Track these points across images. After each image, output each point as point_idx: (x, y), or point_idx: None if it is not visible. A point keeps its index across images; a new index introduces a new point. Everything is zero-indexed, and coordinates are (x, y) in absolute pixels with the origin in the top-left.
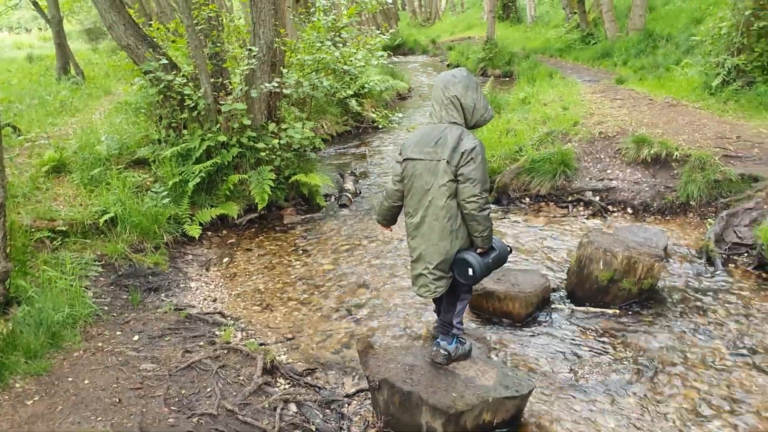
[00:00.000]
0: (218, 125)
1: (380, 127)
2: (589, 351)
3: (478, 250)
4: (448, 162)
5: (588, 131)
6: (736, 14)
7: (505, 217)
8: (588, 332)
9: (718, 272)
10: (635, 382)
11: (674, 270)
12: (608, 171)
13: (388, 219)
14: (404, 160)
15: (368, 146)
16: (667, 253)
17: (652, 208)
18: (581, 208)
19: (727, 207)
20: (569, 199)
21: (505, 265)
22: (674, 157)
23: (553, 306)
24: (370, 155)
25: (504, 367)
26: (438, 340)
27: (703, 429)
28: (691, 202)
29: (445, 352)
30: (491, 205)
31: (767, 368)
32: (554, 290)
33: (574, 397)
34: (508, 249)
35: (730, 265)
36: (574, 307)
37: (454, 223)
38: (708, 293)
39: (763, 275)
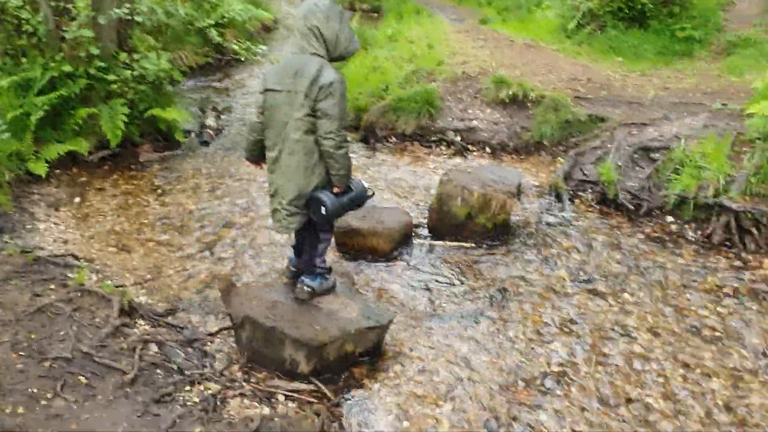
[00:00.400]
0: (62, 54)
1: (243, 59)
2: (447, 282)
3: (335, 189)
4: (306, 95)
5: (452, 71)
6: None
7: (371, 156)
8: (446, 265)
9: (565, 207)
10: (487, 310)
11: (526, 206)
12: (470, 111)
13: (255, 154)
14: (265, 90)
15: (231, 79)
16: (521, 191)
17: (509, 148)
18: (444, 148)
19: (576, 146)
20: (433, 138)
21: (368, 204)
22: (530, 98)
23: (415, 241)
24: (233, 89)
25: (366, 299)
26: (302, 277)
27: (545, 349)
28: (544, 142)
29: (309, 289)
30: (350, 143)
31: (602, 293)
32: (417, 226)
33: (431, 325)
34: (368, 191)
35: (576, 200)
36: (434, 242)
37: (311, 158)
38: (556, 227)
39: (604, 210)
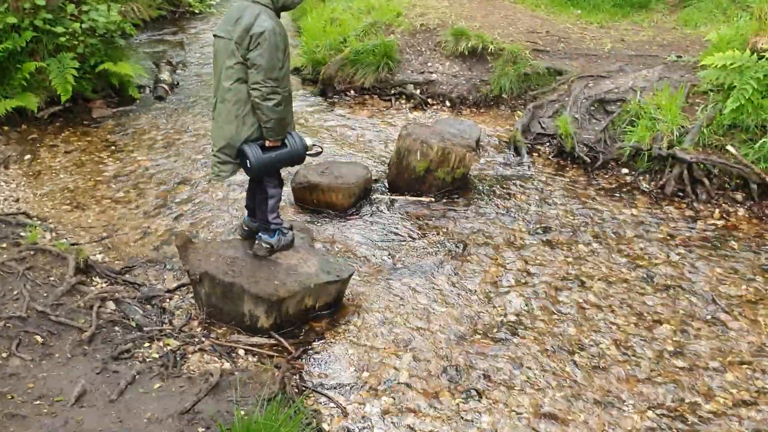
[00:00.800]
0: (6, 5)
1: (198, 11)
2: (407, 236)
3: (267, 143)
4: (237, 44)
5: (410, 23)
6: None
7: (330, 110)
8: (406, 219)
9: (523, 161)
10: (446, 263)
11: (486, 159)
12: (429, 64)
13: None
14: (215, 32)
15: (186, 33)
16: (480, 144)
17: (468, 101)
18: (403, 101)
19: (534, 99)
20: (392, 92)
21: (325, 158)
22: (489, 50)
23: (374, 196)
24: (188, 43)
25: (326, 254)
26: (260, 233)
27: (503, 299)
28: (503, 95)
29: (267, 245)
30: (279, 95)
31: (556, 244)
32: (376, 181)
33: (391, 279)
34: (312, 148)
35: (534, 154)
36: (393, 197)
37: (242, 108)
38: (514, 180)
39: (561, 162)
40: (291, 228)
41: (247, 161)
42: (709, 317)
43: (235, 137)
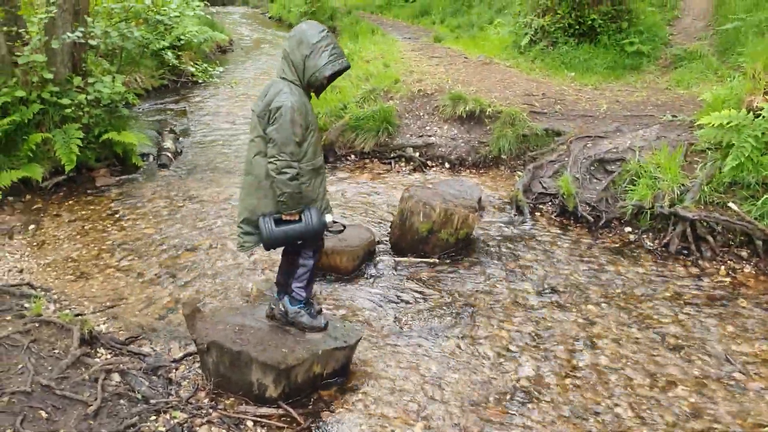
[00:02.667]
0: (15, 79)
1: (200, 81)
2: (412, 299)
3: (283, 217)
4: (260, 117)
5: (408, 89)
6: None
7: (332, 174)
8: (410, 281)
9: (526, 220)
10: (454, 326)
11: (488, 220)
12: (427, 127)
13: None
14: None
15: (188, 102)
16: (481, 205)
17: (467, 162)
18: (403, 164)
19: (534, 160)
20: (392, 155)
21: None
22: (487, 113)
23: (378, 258)
24: (190, 111)
25: (333, 319)
26: (284, 295)
27: (514, 363)
28: (502, 156)
29: (282, 310)
30: (294, 169)
31: (565, 305)
32: (379, 243)
33: (399, 343)
34: (327, 223)
35: (536, 213)
36: (397, 258)
37: (263, 181)
38: (517, 240)
39: (564, 221)
40: (320, 312)
41: (261, 236)
42: (724, 378)
43: (256, 209)
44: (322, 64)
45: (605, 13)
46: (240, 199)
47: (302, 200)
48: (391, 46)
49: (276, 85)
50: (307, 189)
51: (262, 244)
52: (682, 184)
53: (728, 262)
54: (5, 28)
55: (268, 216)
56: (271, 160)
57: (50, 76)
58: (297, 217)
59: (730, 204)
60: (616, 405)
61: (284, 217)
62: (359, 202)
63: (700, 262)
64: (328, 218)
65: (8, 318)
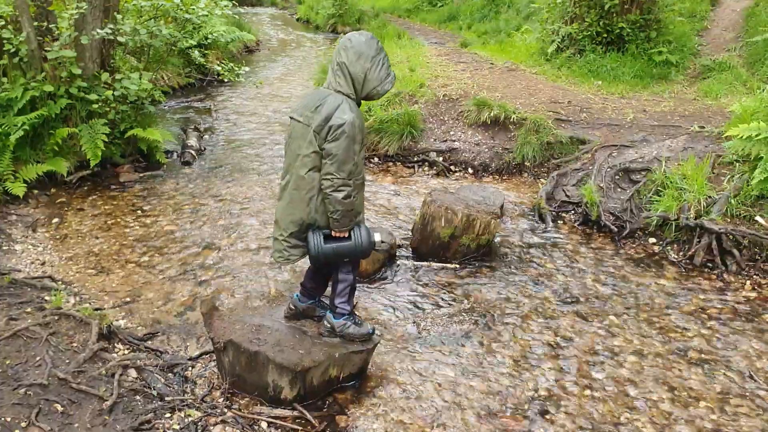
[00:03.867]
0: (44, 74)
1: (226, 80)
2: (432, 304)
3: (333, 233)
4: (316, 132)
5: (433, 93)
6: None
7: None
8: (430, 286)
9: (548, 228)
10: (473, 332)
11: (510, 226)
12: (451, 132)
13: None
14: (290, 117)
15: (213, 100)
16: (504, 211)
17: (490, 169)
18: (426, 168)
19: (558, 168)
20: (415, 159)
21: None
22: (512, 120)
23: (398, 262)
24: (215, 110)
25: None
26: (328, 311)
27: (532, 373)
28: (526, 163)
29: (328, 326)
30: (350, 187)
31: (586, 315)
32: (400, 247)
33: (417, 348)
34: (376, 242)
35: (559, 221)
36: (418, 263)
37: (313, 196)
38: (539, 247)
39: (586, 230)
40: (362, 321)
41: (308, 249)
42: (748, 394)
43: (305, 222)
44: (384, 77)
45: (634, 21)
46: (284, 212)
47: (355, 217)
48: (417, 50)
49: (332, 99)
50: (356, 203)
51: (309, 259)
52: (709, 196)
53: (754, 276)
54: (36, 23)
55: (318, 231)
56: (328, 177)
57: (78, 71)
58: (347, 234)
59: (758, 218)
60: (636, 419)
61: (334, 234)
62: (381, 206)
63: (725, 275)
64: (377, 237)
65: (28, 310)
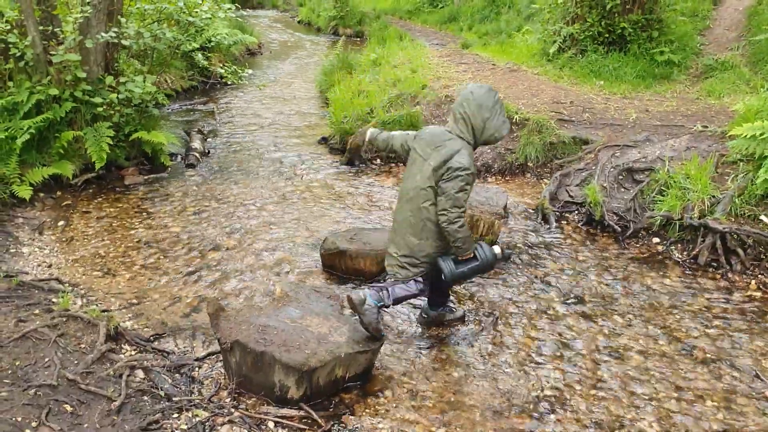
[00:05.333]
0: (49, 77)
1: (229, 83)
2: None
3: (460, 257)
4: (435, 170)
5: (435, 94)
6: None
7: (357, 178)
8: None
9: (552, 228)
10: (478, 333)
11: (513, 227)
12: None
13: (375, 139)
14: (413, 147)
15: (217, 103)
16: (507, 212)
17: (493, 169)
18: None
19: (561, 168)
20: None
21: (355, 226)
22: (514, 120)
23: None
24: (218, 112)
25: (356, 322)
26: (425, 305)
27: (538, 373)
28: (529, 163)
29: (426, 317)
30: (462, 218)
31: (590, 315)
32: None
33: (421, 349)
34: (499, 256)
35: (562, 221)
36: None
37: (427, 226)
38: (543, 248)
39: (591, 231)
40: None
41: (442, 274)
42: (754, 393)
43: (418, 248)
44: (500, 125)
45: (636, 21)
46: (398, 234)
47: (472, 241)
48: (418, 51)
49: (453, 143)
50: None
51: (442, 283)
52: (713, 196)
53: (759, 276)
54: (41, 27)
55: (447, 258)
56: (443, 213)
57: (83, 75)
58: (472, 255)
59: (762, 217)
60: (642, 418)
61: (460, 258)
62: (384, 207)
63: (729, 275)
64: (497, 249)
65: (36, 312)
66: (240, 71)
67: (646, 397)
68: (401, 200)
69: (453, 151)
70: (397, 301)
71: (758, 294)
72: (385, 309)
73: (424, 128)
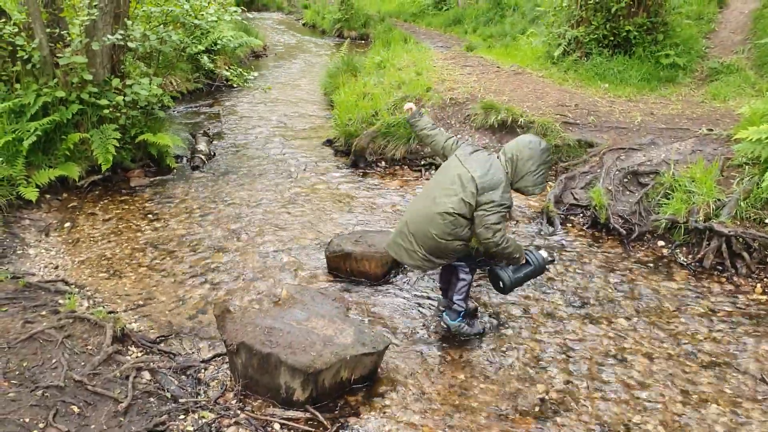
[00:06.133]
0: (56, 80)
1: (234, 85)
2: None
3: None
4: (479, 192)
5: (440, 97)
6: None
7: (362, 180)
8: (439, 289)
9: (557, 231)
10: (482, 335)
11: (518, 230)
12: (458, 136)
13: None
14: (455, 150)
15: (222, 105)
16: (512, 214)
17: None
18: (433, 171)
19: (566, 171)
20: (422, 163)
21: (359, 228)
22: (519, 123)
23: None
24: (224, 114)
25: (361, 324)
26: (444, 311)
27: (542, 376)
28: None
29: (445, 326)
30: (503, 236)
31: (595, 318)
32: None
33: (426, 351)
34: (548, 260)
35: (567, 224)
36: None
37: (458, 231)
38: (548, 251)
39: (595, 234)
40: (476, 310)
41: (500, 282)
42: (759, 397)
43: (438, 252)
44: (538, 183)
45: (640, 24)
46: (422, 229)
47: (517, 249)
48: (423, 54)
49: (499, 174)
50: (512, 240)
51: (498, 290)
52: (718, 199)
53: (764, 279)
54: (48, 30)
55: (501, 266)
56: (487, 240)
57: (90, 77)
58: (525, 260)
59: None
60: (647, 421)
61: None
62: (389, 209)
63: (735, 278)
64: (545, 254)
65: (43, 313)
66: (245, 74)
67: (652, 401)
68: (428, 194)
69: (497, 183)
70: (467, 295)
71: (764, 297)
72: (467, 310)
73: (466, 146)
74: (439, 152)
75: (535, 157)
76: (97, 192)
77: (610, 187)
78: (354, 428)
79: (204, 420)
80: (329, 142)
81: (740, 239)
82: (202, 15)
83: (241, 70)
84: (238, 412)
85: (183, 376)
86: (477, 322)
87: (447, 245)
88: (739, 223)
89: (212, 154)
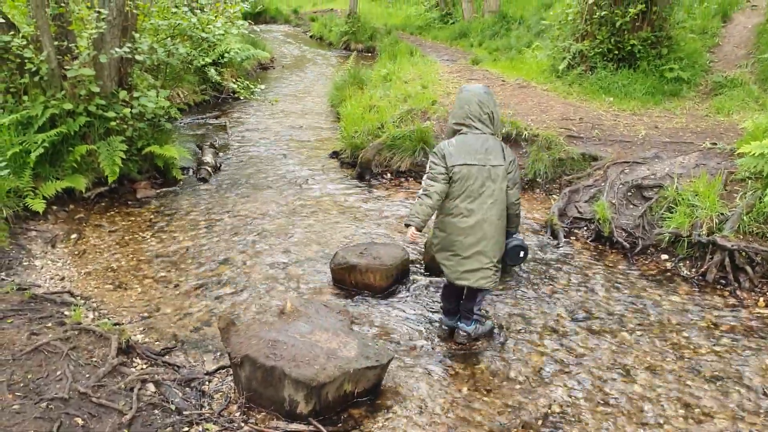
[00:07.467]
0: (63, 92)
1: (241, 98)
2: None
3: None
4: (506, 170)
5: (445, 110)
6: (580, 2)
7: (368, 192)
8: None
9: (561, 245)
10: (486, 348)
11: None
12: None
13: (427, 220)
14: (456, 165)
15: (229, 117)
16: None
17: None
18: None
19: (570, 184)
20: None
21: (372, 240)
22: (523, 136)
23: (411, 277)
24: (230, 126)
25: (365, 337)
26: (459, 323)
27: (546, 389)
28: (538, 179)
29: (465, 333)
30: None
31: (599, 331)
32: (413, 262)
33: (430, 364)
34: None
35: (571, 237)
36: (431, 278)
37: (505, 220)
38: (552, 264)
39: (599, 247)
40: (488, 317)
41: (521, 251)
42: (762, 411)
43: (502, 245)
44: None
45: (645, 38)
46: (489, 243)
47: None
48: (429, 67)
49: (494, 141)
50: None
51: (517, 263)
52: (721, 213)
53: (767, 293)
54: (56, 43)
55: (515, 237)
56: (518, 201)
57: (97, 89)
58: None
59: None
60: None
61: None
62: (394, 221)
63: (738, 292)
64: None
65: (49, 325)
66: (252, 86)
67: (654, 414)
68: (471, 216)
69: (501, 147)
70: (480, 303)
71: (766, 311)
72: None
73: (447, 145)
74: (446, 186)
75: (493, 99)
76: (103, 204)
77: (613, 201)
78: None
79: None
80: (335, 154)
81: (743, 253)
82: (210, 28)
83: (248, 82)
84: (242, 424)
85: (187, 389)
86: (488, 321)
87: (503, 228)
88: (742, 237)
89: (219, 166)
